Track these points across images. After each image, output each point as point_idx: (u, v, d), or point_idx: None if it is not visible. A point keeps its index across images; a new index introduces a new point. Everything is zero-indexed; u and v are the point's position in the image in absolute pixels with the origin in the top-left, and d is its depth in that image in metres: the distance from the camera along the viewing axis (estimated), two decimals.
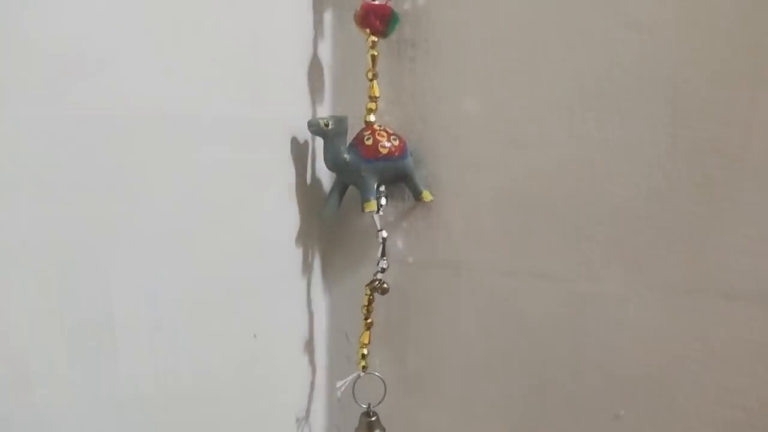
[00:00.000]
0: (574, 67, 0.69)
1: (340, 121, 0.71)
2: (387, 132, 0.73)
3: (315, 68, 0.77)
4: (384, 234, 0.73)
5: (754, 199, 0.65)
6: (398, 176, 0.74)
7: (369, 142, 0.72)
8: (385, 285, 0.74)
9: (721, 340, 0.67)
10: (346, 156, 0.71)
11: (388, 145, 0.72)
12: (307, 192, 0.77)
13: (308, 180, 0.77)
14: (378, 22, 0.71)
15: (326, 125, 0.70)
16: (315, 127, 0.71)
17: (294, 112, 0.75)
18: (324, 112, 0.79)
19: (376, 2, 0.71)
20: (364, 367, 0.75)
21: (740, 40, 0.64)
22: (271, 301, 0.73)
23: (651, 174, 0.68)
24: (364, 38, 0.72)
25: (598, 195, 0.70)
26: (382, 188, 0.74)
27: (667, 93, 0.66)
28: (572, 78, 0.69)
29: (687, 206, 0.67)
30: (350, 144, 0.72)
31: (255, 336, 0.70)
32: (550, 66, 0.70)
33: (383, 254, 0.74)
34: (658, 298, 0.69)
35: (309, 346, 0.80)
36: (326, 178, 0.79)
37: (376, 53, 0.72)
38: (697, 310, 0.68)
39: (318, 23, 0.77)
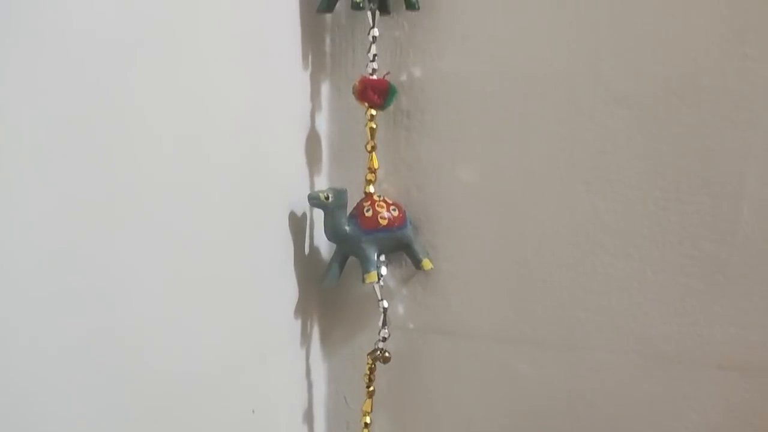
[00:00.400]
0: (565, 139, 0.71)
1: (340, 194, 0.72)
2: (386, 202, 0.74)
3: (313, 139, 0.78)
4: (385, 304, 0.75)
5: (745, 272, 0.67)
6: (398, 246, 0.75)
7: (369, 214, 0.73)
8: (386, 354, 0.75)
9: (716, 410, 0.69)
10: (347, 228, 0.73)
11: (387, 215, 0.73)
12: (305, 262, 0.77)
13: (306, 250, 0.78)
14: (376, 97, 0.73)
15: (326, 198, 0.72)
16: (315, 201, 0.72)
17: (292, 183, 0.76)
18: (322, 181, 0.80)
19: (374, 77, 0.73)
20: None
21: (729, 116, 0.66)
22: (269, 374, 0.73)
23: (643, 245, 0.70)
24: (360, 107, 0.74)
25: (592, 265, 0.72)
26: (382, 258, 0.76)
27: (658, 166, 0.69)
28: (564, 150, 0.72)
29: (679, 278, 0.69)
30: (350, 215, 0.74)
31: (253, 412, 0.70)
32: (541, 138, 0.72)
33: (384, 324, 0.75)
34: (654, 367, 0.70)
35: (308, 416, 0.80)
36: (324, 247, 0.80)
37: (374, 126, 0.74)
38: (692, 381, 0.69)
39: (315, 95, 0.78)
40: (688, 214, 0.68)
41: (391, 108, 0.76)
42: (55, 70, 0.47)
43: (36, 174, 0.46)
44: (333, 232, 0.73)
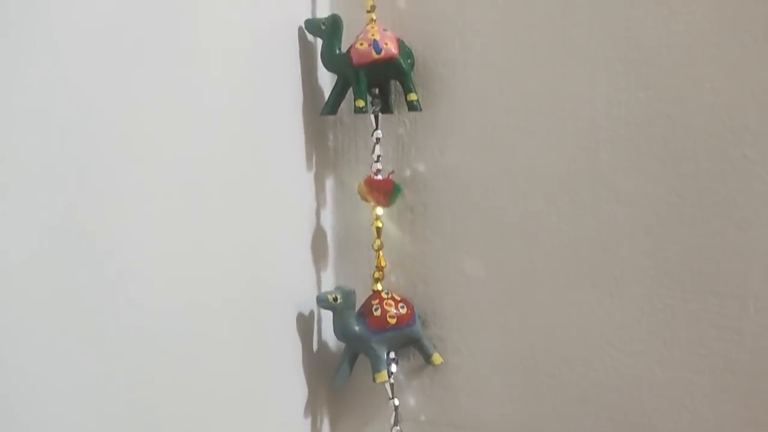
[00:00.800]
0: (568, 236, 0.72)
1: (349, 295, 0.73)
2: (394, 299, 0.75)
3: (318, 234, 0.79)
4: (396, 402, 0.75)
5: (754, 371, 0.67)
6: (407, 342, 0.76)
7: (377, 313, 0.74)
8: None
9: None
10: (356, 328, 0.73)
11: (395, 313, 0.74)
12: (314, 359, 0.78)
13: (315, 347, 0.79)
14: (381, 197, 0.74)
15: (335, 300, 0.72)
16: (324, 303, 0.73)
17: (299, 280, 0.77)
18: (328, 276, 0.80)
19: (379, 177, 0.74)
20: None
21: (731, 216, 0.67)
22: None
23: (651, 342, 0.70)
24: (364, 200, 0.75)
25: (600, 360, 0.72)
26: (392, 354, 0.76)
27: (661, 264, 0.69)
28: (567, 246, 0.72)
29: (688, 375, 0.69)
30: (359, 312, 0.74)
31: None
32: (545, 234, 0.73)
33: (396, 422, 0.75)
34: None
35: None
36: (332, 343, 0.80)
37: (380, 225, 0.75)
38: None
39: (320, 190, 0.79)
40: (694, 312, 0.68)
41: (395, 202, 0.76)
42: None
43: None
44: (342, 332, 0.74)
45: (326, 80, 0.78)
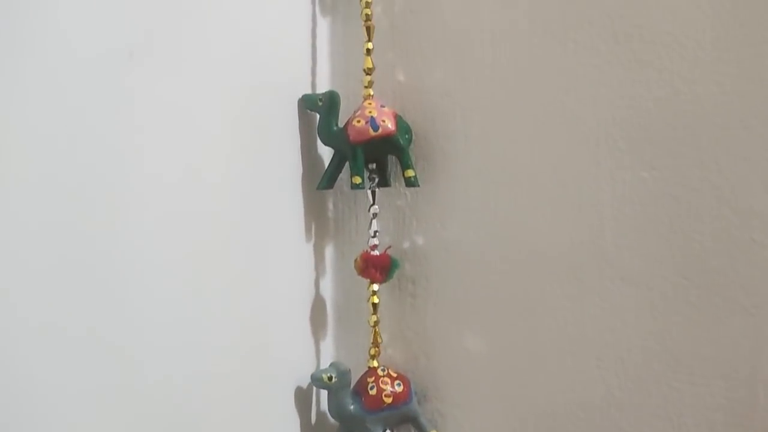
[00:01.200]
0: (573, 314, 0.71)
1: (344, 375, 0.72)
2: (391, 376, 0.73)
3: (318, 305, 0.78)
4: None
5: None
6: (404, 420, 0.74)
7: (373, 392, 0.72)
8: None
9: None
10: (351, 407, 0.72)
11: (391, 391, 0.72)
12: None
13: (313, 419, 0.77)
14: (377, 273, 0.73)
15: (330, 379, 0.71)
16: (319, 382, 0.71)
17: (297, 353, 0.76)
18: (327, 346, 0.79)
19: (376, 252, 0.73)
20: None
21: (739, 300, 0.65)
22: None
23: (658, 426, 0.68)
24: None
25: None
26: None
27: (668, 347, 0.67)
28: (572, 325, 0.71)
29: None
30: (354, 390, 0.72)
31: None
32: (549, 312, 0.71)
33: None
34: None
35: None
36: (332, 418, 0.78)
37: (377, 301, 0.74)
38: None
39: (319, 261, 0.78)
40: (702, 396, 0.66)
41: (396, 274, 0.75)
42: None
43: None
44: (337, 412, 0.72)
45: (326, 150, 0.76)
